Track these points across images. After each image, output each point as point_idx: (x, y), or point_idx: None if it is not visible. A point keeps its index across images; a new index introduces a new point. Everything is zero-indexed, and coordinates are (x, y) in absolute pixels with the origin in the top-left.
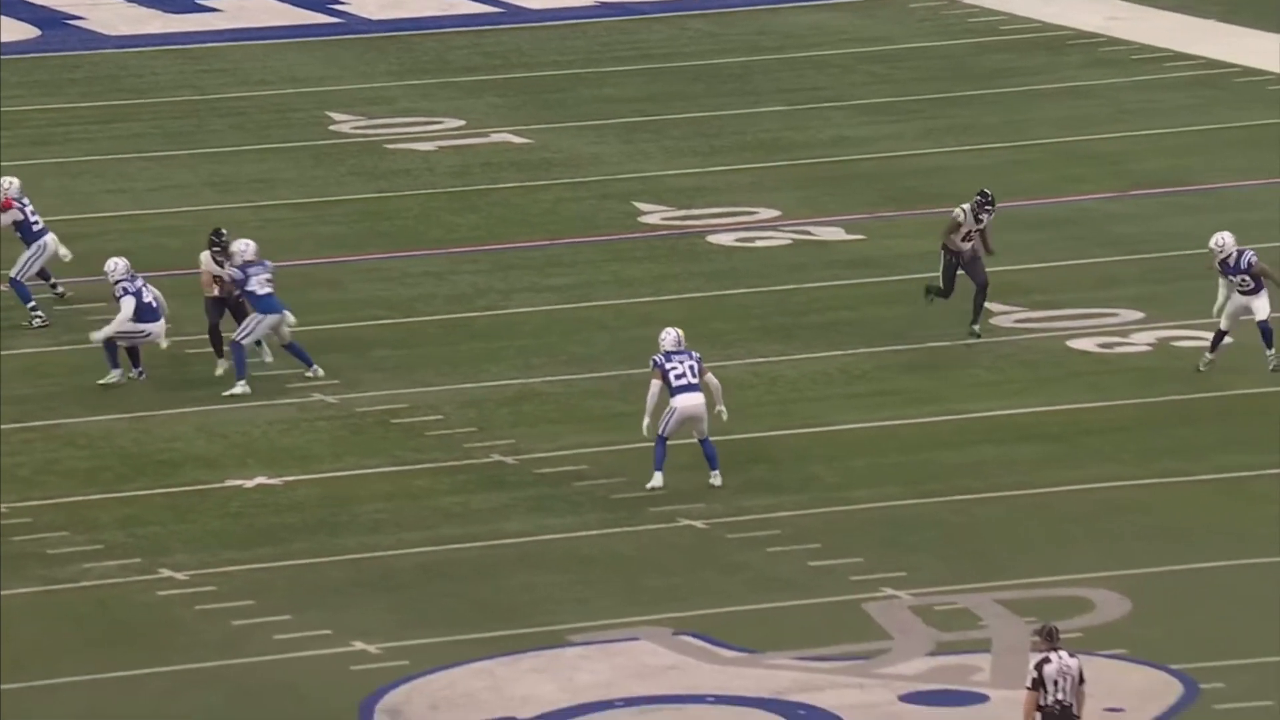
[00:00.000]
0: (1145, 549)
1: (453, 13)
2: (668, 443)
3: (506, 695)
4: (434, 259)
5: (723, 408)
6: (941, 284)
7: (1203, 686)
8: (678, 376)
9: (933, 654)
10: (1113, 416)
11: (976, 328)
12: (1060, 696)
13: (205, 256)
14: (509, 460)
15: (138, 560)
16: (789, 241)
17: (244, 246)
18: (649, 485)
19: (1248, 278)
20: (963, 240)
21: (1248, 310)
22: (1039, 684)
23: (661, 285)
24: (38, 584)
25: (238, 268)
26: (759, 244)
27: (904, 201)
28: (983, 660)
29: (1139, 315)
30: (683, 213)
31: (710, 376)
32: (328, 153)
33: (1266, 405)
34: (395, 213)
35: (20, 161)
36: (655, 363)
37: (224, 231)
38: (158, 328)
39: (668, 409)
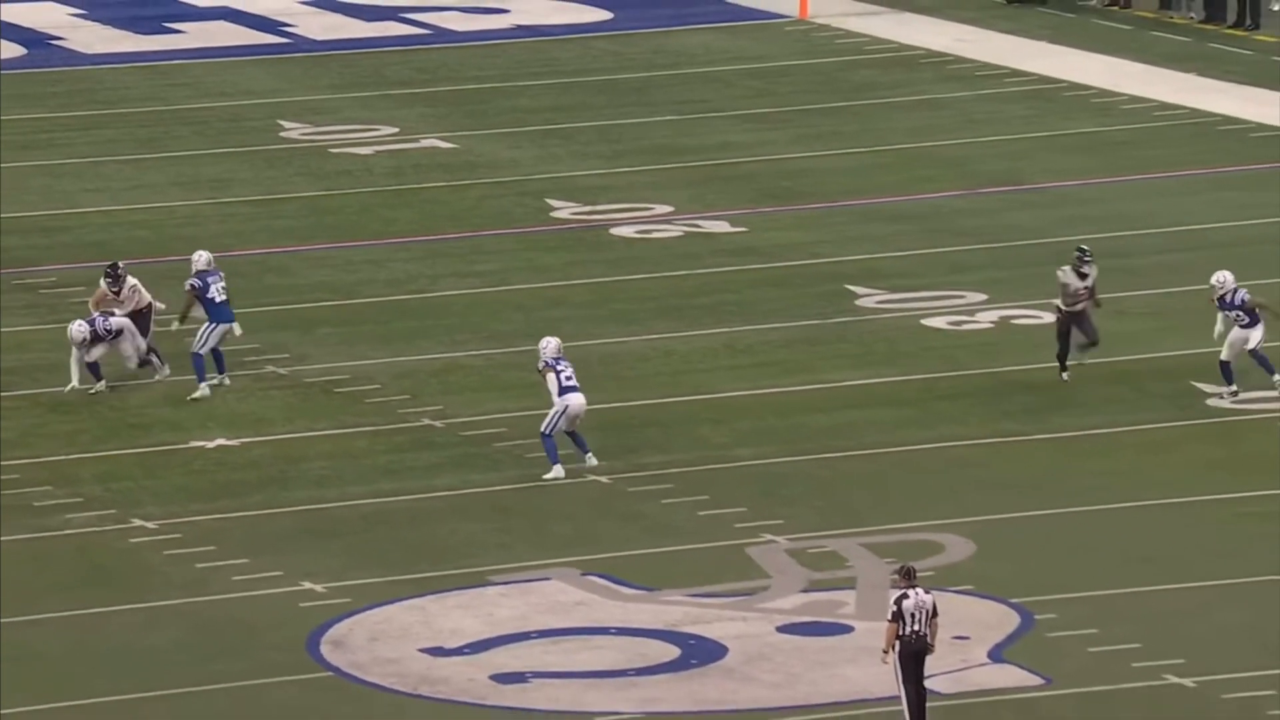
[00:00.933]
0: (988, 499)
1: (387, 34)
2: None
3: (436, 628)
4: (373, 249)
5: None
6: (1058, 346)
7: (1037, 617)
8: (566, 378)
9: (805, 591)
10: (961, 385)
11: (1065, 375)
12: (916, 628)
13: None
14: (437, 424)
15: (113, 511)
16: (681, 234)
17: (199, 256)
18: (547, 477)
19: (1242, 312)
20: (1074, 302)
21: (1246, 341)
22: (898, 617)
23: (570, 271)
24: (26, 532)
25: (196, 276)
26: (655, 235)
27: (781, 198)
28: (848, 596)
29: (983, 297)
30: (589, 208)
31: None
32: (279, 156)
33: (1091, 374)
34: (339, 209)
35: (9, 164)
36: (547, 363)
37: (120, 265)
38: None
39: (557, 407)
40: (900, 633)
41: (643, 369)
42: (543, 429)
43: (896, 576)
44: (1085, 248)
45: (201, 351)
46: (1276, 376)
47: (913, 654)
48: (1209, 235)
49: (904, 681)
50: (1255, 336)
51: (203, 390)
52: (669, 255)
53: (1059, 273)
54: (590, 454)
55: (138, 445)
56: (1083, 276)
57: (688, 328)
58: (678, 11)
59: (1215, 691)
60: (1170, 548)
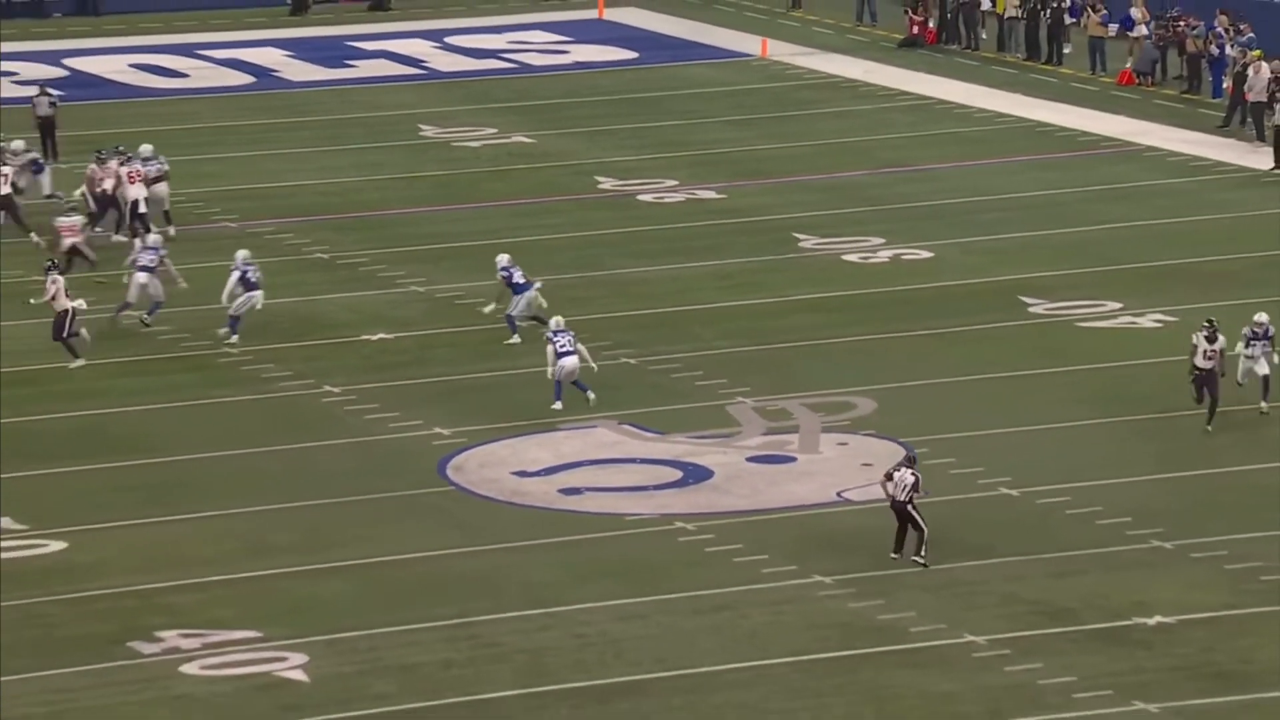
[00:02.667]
0: (885, 374)
1: (491, 68)
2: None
3: (522, 458)
4: (478, 209)
5: (592, 364)
6: (1195, 396)
7: (915, 451)
8: (562, 347)
9: (765, 435)
10: (866, 299)
11: (1209, 427)
12: (898, 495)
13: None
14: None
15: (312, 380)
16: (683, 199)
17: (501, 258)
18: (553, 407)
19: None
20: (1205, 359)
21: (1252, 372)
22: (889, 476)
23: (609, 224)
24: (256, 394)
25: (501, 270)
26: (666, 200)
27: (750, 176)
28: (793, 438)
29: (882, 240)
30: (622, 182)
31: (580, 346)
32: (417, 148)
33: (953, 292)
34: (456, 182)
35: (243, 153)
36: (548, 336)
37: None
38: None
39: (554, 369)
40: (889, 493)
41: (657, 289)
42: (555, 379)
43: (907, 458)
44: (1213, 320)
45: (512, 313)
46: (1264, 403)
47: (896, 511)
48: (1027, 200)
49: (897, 521)
50: (1262, 366)
51: (515, 339)
52: (675, 213)
53: (1193, 336)
54: (590, 391)
55: (329, 338)
56: (1211, 341)
57: (687, 260)
58: (680, 53)
59: (1031, 499)
60: (1005, 406)
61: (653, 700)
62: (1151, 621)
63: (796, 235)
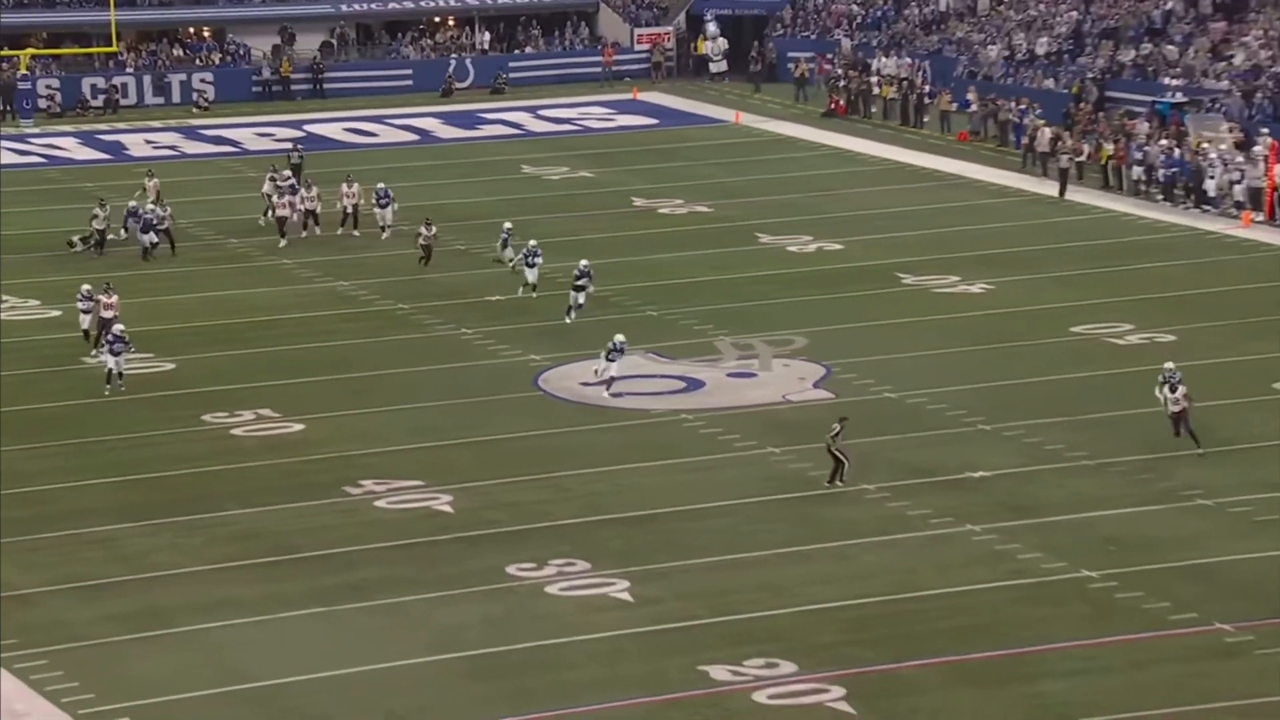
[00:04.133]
0: (814, 319)
1: (563, 129)
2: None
3: (585, 374)
4: (558, 217)
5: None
6: (1175, 432)
7: (833, 370)
8: (610, 356)
9: (737, 359)
10: (803, 275)
11: (1200, 451)
12: (835, 445)
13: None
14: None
15: (455, 323)
16: (686, 212)
17: (583, 260)
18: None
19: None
20: (1174, 405)
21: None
22: (831, 430)
23: (637, 228)
24: (407, 335)
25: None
26: (677, 213)
27: (732, 196)
28: (754, 363)
29: (810, 238)
30: (648, 201)
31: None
32: (520, 180)
33: (852, 271)
34: (544, 200)
35: (411, 183)
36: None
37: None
38: None
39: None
40: (831, 436)
41: (669, 269)
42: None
43: (837, 425)
44: (1170, 367)
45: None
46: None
47: (830, 453)
48: (901, 212)
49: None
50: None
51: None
52: (680, 221)
53: (1156, 393)
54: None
55: (462, 299)
56: (1174, 389)
57: (681, 250)
58: (684, 119)
59: (904, 399)
60: (887, 342)
61: (664, 526)
62: (977, 475)
63: (758, 235)
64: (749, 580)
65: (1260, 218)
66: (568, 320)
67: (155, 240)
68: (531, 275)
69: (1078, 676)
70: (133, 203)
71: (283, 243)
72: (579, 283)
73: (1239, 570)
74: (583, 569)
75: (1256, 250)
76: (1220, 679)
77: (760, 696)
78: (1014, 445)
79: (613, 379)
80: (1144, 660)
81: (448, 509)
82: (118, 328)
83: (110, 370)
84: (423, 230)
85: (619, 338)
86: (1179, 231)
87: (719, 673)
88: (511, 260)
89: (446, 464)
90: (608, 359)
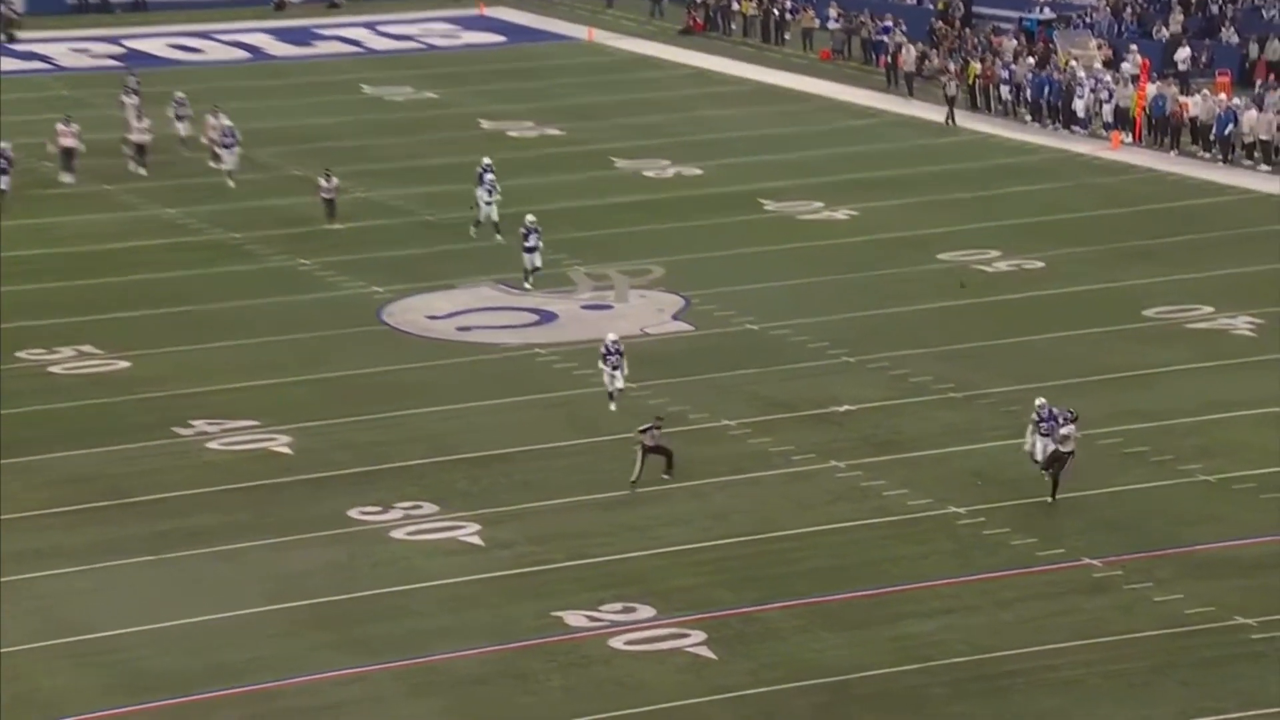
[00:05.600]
0: (673, 247)
1: (406, 47)
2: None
3: (431, 308)
4: (404, 141)
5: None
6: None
7: (693, 301)
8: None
9: (593, 291)
10: (659, 202)
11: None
12: (651, 439)
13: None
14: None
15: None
16: (536, 135)
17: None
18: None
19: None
20: (1065, 444)
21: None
22: (646, 428)
23: (493, 153)
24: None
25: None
26: (526, 135)
27: (587, 118)
28: (611, 294)
29: (668, 162)
30: (496, 123)
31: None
32: (360, 101)
33: (713, 198)
34: (388, 122)
35: (240, 103)
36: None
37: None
38: None
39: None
40: (645, 431)
41: (516, 195)
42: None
43: (654, 423)
44: (1043, 402)
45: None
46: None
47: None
48: (765, 135)
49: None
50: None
51: None
52: (531, 143)
53: (1026, 438)
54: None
55: (298, 228)
56: (1046, 434)
57: (532, 176)
58: (534, 37)
59: (766, 330)
60: (748, 270)
61: (515, 466)
62: (841, 409)
63: (613, 159)
64: (605, 522)
65: (1129, 139)
66: (526, 286)
67: None
68: (492, 213)
69: (943, 616)
70: None
71: (143, 171)
72: (528, 243)
73: (1107, 504)
74: (430, 512)
75: (1126, 173)
76: (1087, 615)
77: (617, 642)
78: (880, 378)
79: (619, 390)
80: (1010, 598)
81: (287, 450)
82: None
83: None
84: (322, 182)
85: (611, 335)
86: (1048, 154)
87: (574, 618)
88: (488, 204)
89: (285, 402)
90: (610, 368)
